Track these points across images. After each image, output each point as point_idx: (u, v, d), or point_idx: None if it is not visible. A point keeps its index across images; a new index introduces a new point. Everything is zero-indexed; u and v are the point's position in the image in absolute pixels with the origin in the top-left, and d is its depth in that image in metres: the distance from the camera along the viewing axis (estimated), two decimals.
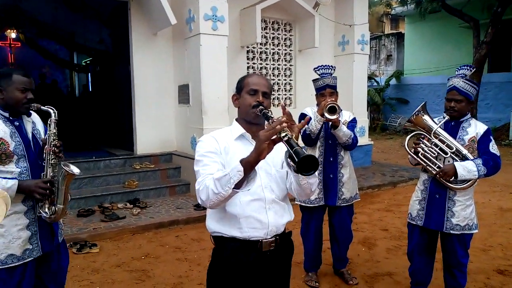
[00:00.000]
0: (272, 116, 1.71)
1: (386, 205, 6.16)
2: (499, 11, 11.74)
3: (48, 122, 2.32)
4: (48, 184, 2.22)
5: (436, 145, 2.84)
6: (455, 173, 2.74)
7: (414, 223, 3.05)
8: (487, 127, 2.92)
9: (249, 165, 1.59)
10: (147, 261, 4.15)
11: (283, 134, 1.51)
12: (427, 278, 3.15)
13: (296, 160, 1.43)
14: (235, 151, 1.84)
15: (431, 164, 2.85)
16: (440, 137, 2.85)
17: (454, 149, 2.81)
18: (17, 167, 2.20)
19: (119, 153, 7.18)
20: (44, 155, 2.29)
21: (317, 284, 3.58)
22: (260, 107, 1.80)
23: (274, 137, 1.53)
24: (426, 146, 2.87)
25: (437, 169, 2.81)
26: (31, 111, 2.39)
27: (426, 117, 2.95)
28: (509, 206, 5.98)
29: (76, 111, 10.30)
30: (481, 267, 3.90)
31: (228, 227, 1.83)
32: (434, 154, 2.84)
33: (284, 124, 1.53)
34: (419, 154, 2.88)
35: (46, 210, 2.26)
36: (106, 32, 9.41)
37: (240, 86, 1.94)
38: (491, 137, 2.88)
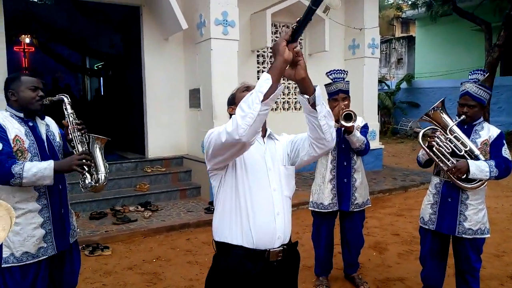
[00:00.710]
0: None
1: (397, 210, 6.12)
2: None
3: (64, 107, 2.44)
4: (84, 155, 2.30)
5: (451, 141, 2.83)
6: (467, 171, 2.72)
7: (427, 227, 3.03)
8: (500, 130, 2.91)
9: (276, 71, 1.48)
10: (158, 264, 4.18)
11: (293, 25, 1.48)
12: (439, 283, 3.12)
13: None
14: (250, 150, 1.74)
15: (444, 159, 2.82)
16: (456, 134, 2.84)
17: (468, 148, 2.80)
18: None
19: (131, 157, 7.27)
20: (70, 136, 2.39)
21: None
22: None
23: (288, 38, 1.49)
24: (441, 141, 2.84)
25: (450, 165, 2.78)
26: (46, 116, 2.48)
27: (444, 115, 2.94)
28: None
29: (88, 114, 10.43)
30: (494, 273, 3.85)
31: (235, 233, 1.76)
32: (449, 149, 2.81)
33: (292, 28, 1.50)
34: (433, 148, 2.84)
35: (90, 180, 2.35)
36: (118, 37, 9.52)
37: (233, 96, 1.95)
38: (504, 141, 2.87)
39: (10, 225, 1.24)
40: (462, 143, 2.81)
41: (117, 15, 8.45)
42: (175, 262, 4.22)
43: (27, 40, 11.30)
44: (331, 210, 3.52)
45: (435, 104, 2.96)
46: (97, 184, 2.36)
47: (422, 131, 2.99)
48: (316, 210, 3.57)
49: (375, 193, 6.76)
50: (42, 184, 2.22)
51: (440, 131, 2.88)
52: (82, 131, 2.40)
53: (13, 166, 2.11)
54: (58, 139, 2.49)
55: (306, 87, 1.61)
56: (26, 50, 11.79)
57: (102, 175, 2.38)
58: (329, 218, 3.59)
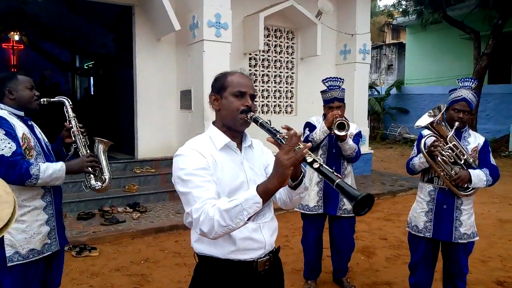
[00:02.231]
0: (276, 129, 1.51)
1: (386, 214, 6.16)
2: (500, 23, 11.84)
3: (65, 109, 2.57)
4: (91, 157, 2.43)
5: (453, 150, 2.83)
6: (469, 180, 2.77)
7: (422, 235, 3.01)
8: (484, 138, 3.00)
9: (269, 195, 1.40)
10: (146, 266, 4.15)
11: (309, 159, 1.35)
12: None
13: (351, 202, 1.25)
14: (223, 166, 1.61)
15: (448, 170, 2.82)
16: (454, 143, 2.85)
17: (466, 156, 2.83)
18: None
19: (120, 157, 7.21)
20: (74, 138, 2.50)
21: None
22: (251, 113, 1.61)
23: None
24: (444, 151, 2.82)
25: (454, 175, 2.80)
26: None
27: (444, 125, 2.90)
28: (508, 217, 5.99)
29: (77, 114, 10.32)
30: (480, 278, 3.90)
31: (222, 250, 1.62)
32: (451, 159, 2.82)
33: (308, 145, 1.38)
34: (438, 157, 2.81)
35: (96, 181, 2.49)
36: (109, 36, 9.46)
37: (221, 85, 1.71)
38: (490, 149, 2.97)
39: (15, 203, 1.26)
40: (461, 152, 2.83)
41: (109, 15, 8.39)
42: (163, 264, 4.19)
43: (16, 37, 11.16)
44: (315, 212, 3.52)
45: (437, 117, 2.84)
46: (102, 185, 2.48)
47: (423, 140, 2.91)
48: (302, 211, 3.59)
49: None
50: (54, 184, 2.26)
51: (440, 141, 2.84)
52: (84, 134, 2.49)
53: (30, 167, 2.12)
54: (47, 140, 2.51)
55: (296, 173, 1.53)
56: (15, 47, 11.66)
57: (107, 176, 2.51)
58: (317, 221, 3.59)
